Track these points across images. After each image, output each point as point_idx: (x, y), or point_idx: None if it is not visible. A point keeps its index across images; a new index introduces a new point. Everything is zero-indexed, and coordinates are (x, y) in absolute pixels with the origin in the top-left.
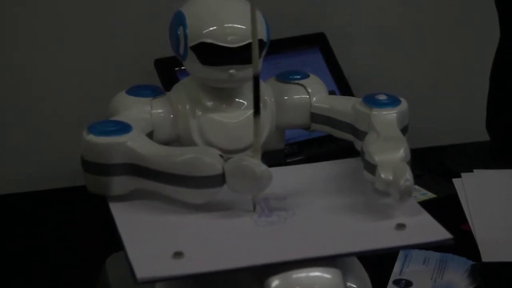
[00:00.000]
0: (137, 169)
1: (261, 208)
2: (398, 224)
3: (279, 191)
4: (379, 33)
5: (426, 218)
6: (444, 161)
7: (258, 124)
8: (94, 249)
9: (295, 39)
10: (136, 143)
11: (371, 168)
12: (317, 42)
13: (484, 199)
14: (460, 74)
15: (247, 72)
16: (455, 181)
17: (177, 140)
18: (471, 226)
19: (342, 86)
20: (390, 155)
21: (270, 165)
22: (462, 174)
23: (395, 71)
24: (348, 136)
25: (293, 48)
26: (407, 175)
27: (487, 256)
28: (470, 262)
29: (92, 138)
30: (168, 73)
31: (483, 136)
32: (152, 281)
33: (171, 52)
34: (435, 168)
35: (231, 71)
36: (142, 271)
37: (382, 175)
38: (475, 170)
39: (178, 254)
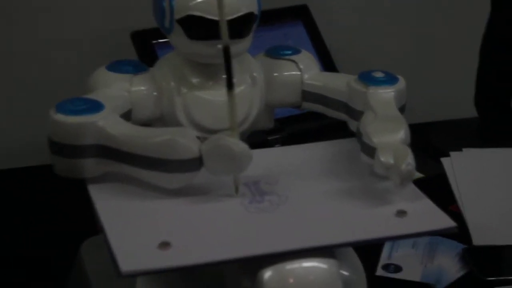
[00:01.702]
0: (109, 151)
1: (251, 192)
2: (399, 211)
3: (270, 174)
4: (363, 5)
5: (427, 204)
6: (431, 139)
7: (233, 100)
8: (68, 232)
9: (277, 11)
10: (107, 123)
11: (369, 150)
12: (299, 14)
13: (473, 179)
14: (447, 49)
15: (237, 47)
16: (444, 160)
17: (160, 119)
18: (460, 208)
19: (325, 60)
20: (390, 137)
21: (252, 143)
22: (451, 153)
23: (379, 45)
24: (342, 116)
25: (275, 21)
26: (409, 159)
27: (478, 239)
28: (461, 246)
29: (60, 117)
30: (145, 46)
31: (471, 112)
32: (138, 274)
33: (149, 23)
34: (422, 146)
35: (219, 46)
36: (127, 264)
37: (382, 159)
38: (464, 149)
39: (164, 245)
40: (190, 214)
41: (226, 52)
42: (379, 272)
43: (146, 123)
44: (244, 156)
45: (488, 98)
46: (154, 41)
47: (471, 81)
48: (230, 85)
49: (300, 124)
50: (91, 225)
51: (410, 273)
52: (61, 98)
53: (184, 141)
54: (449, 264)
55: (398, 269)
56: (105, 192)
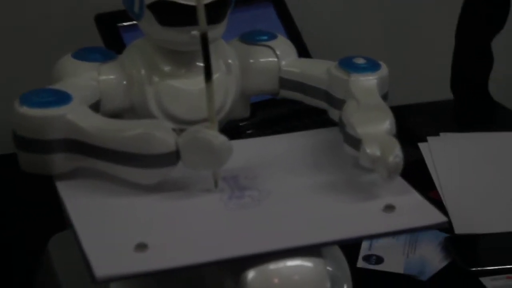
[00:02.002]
0: (79, 146)
1: (230, 188)
2: (387, 206)
3: (249, 167)
4: None
5: (416, 198)
6: (407, 123)
7: (211, 91)
8: (35, 228)
9: None
10: (76, 116)
11: (354, 141)
12: None
13: (452, 164)
14: (423, 32)
15: (213, 33)
16: (421, 145)
17: (131, 110)
18: (440, 195)
19: (297, 44)
20: (375, 127)
21: (222, 131)
22: (428, 138)
23: (353, 28)
24: (322, 104)
25: (244, 2)
26: (396, 150)
27: (459, 227)
28: (443, 235)
29: (25, 110)
30: (110, 30)
31: (447, 95)
32: (113, 280)
33: (113, 5)
34: (398, 130)
35: (193, 32)
36: (101, 268)
37: (368, 151)
38: (441, 134)
39: (141, 246)
40: (167, 212)
41: (204, 39)
42: (360, 263)
43: (116, 115)
44: (224, 149)
45: (464, 80)
46: (120, 24)
47: (447, 64)
48: (208, 75)
49: (272, 109)
50: (59, 220)
51: (392, 264)
52: (24, 89)
53: (159, 135)
54: (431, 254)
55: (379, 260)
56: (76, 189)
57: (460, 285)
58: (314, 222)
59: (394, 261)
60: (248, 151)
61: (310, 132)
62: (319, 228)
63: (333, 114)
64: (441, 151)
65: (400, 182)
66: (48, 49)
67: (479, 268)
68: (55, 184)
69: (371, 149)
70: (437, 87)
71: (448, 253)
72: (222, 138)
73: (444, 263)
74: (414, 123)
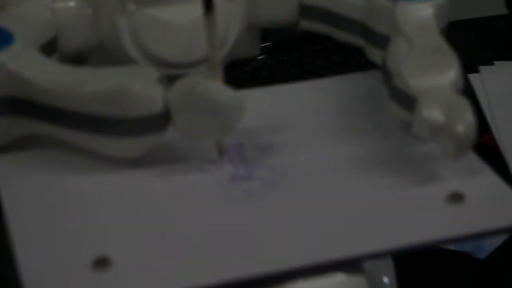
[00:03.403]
0: (26, 106)
1: (233, 163)
2: (453, 194)
3: (259, 132)
4: None
5: (495, 183)
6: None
7: (213, 25)
8: None
9: None
10: (22, 64)
11: (405, 99)
12: None
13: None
14: None
15: None
16: (472, 77)
17: (98, 50)
18: (496, 140)
19: None
20: (436, 80)
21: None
22: (481, 68)
23: None
24: (357, 40)
25: None
26: (468, 116)
27: None
28: None
29: None
30: None
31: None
32: None
33: None
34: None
35: None
36: None
37: (426, 115)
38: (496, 63)
39: (102, 262)
40: (140, 205)
41: None
42: None
43: (78, 57)
44: (233, 109)
45: None
46: None
47: None
48: (208, 2)
49: (289, 46)
50: None
51: None
52: None
53: (139, 89)
54: None
55: None
56: (18, 168)
57: None
58: (350, 222)
59: None
60: (258, 105)
61: (341, 78)
62: (357, 233)
63: (373, 54)
64: (497, 85)
65: (472, 160)
66: None
67: None
68: None
69: (431, 113)
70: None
71: None
72: (230, 93)
73: (504, 237)
74: (460, 46)
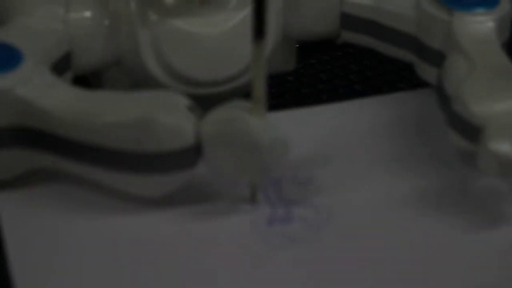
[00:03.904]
0: (36, 137)
1: (270, 202)
2: None
3: (300, 163)
4: None
5: None
6: None
7: (263, 54)
8: None
9: None
10: (32, 89)
11: (467, 128)
12: None
13: None
14: None
15: None
16: None
17: (116, 66)
18: None
19: None
20: (504, 106)
21: None
22: None
23: None
24: (406, 55)
25: None
26: None
27: None
28: None
29: None
30: None
31: None
32: None
33: None
34: None
35: None
36: None
37: (496, 148)
38: None
39: None
40: (161, 258)
41: None
42: None
43: (93, 74)
44: (277, 152)
45: None
46: None
47: None
48: (260, 29)
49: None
50: None
51: None
52: None
53: (169, 120)
54: None
55: None
56: (22, 209)
57: None
58: (407, 276)
59: None
60: (295, 131)
61: (389, 97)
62: None
63: (425, 71)
64: None
65: None
66: None
67: None
68: None
69: (500, 146)
70: None
71: None
72: (274, 133)
73: None
74: None
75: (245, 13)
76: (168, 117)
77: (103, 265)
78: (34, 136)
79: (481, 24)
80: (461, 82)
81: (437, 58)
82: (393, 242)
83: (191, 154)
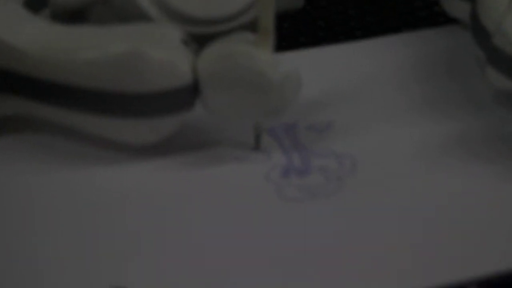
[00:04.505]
0: (11, 80)
1: (284, 151)
2: None
3: (317, 106)
4: None
5: None
6: None
7: None
8: None
9: None
10: (3, 27)
11: (510, 64)
12: None
13: None
14: None
15: None
16: None
17: (102, 3)
18: None
19: None
20: None
21: None
22: None
23: None
24: None
25: None
26: None
27: None
28: None
29: None
30: None
31: None
32: None
33: None
34: None
35: None
36: None
37: None
38: None
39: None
40: (166, 211)
41: None
42: None
43: (76, 13)
44: (288, 90)
45: None
46: None
47: None
48: None
49: None
50: None
51: None
52: None
53: (161, 54)
54: None
55: None
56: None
57: None
58: (438, 236)
59: None
60: (310, 73)
61: (411, 35)
62: (449, 251)
63: (452, 6)
64: None
65: None
66: None
67: None
68: None
69: None
70: None
71: None
72: (285, 68)
73: None
74: None
75: None
76: (160, 52)
77: (94, 220)
78: (9, 79)
79: None
80: (501, 15)
81: None
82: (423, 196)
83: (187, 95)
